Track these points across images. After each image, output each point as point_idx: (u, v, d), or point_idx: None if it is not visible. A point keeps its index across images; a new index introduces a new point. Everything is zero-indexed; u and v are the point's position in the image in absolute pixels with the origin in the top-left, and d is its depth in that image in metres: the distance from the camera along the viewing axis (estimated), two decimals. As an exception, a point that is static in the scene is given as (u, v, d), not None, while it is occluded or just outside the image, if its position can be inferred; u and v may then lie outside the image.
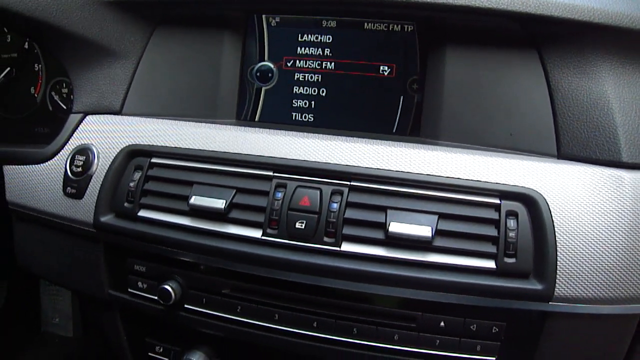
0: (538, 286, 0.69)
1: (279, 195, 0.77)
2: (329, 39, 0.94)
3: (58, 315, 1.52)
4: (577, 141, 0.76)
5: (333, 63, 0.94)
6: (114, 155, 0.87)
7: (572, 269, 0.69)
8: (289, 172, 0.79)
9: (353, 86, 0.93)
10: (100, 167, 0.88)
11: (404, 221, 0.72)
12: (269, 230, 0.77)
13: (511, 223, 0.71)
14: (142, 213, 0.84)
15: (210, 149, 0.83)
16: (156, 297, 0.82)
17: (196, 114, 0.95)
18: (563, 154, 0.77)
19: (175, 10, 0.96)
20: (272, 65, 0.97)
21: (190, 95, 0.96)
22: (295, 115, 0.96)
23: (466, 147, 0.82)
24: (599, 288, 0.69)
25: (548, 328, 0.72)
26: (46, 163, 0.93)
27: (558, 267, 0.69)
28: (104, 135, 0.90)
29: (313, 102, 0.95)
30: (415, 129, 0.91)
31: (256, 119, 0.98)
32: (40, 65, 1.09)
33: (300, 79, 0.95)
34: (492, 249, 0.71)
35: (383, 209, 0.74)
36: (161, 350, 0.92)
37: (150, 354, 0.94)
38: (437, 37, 0.87)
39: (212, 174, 0.82)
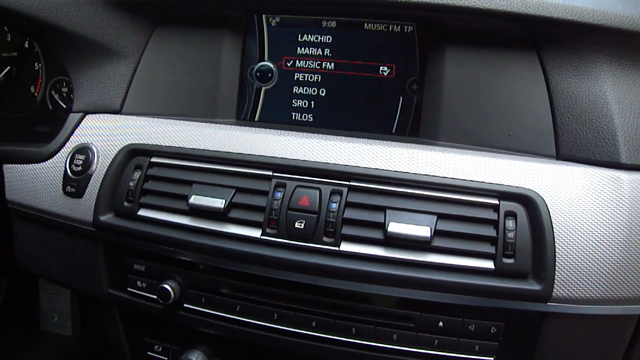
0: (536, 287, 0.70)
1: (279, 195, 0.77)
2: (328, 39, 0.94)
3: (57, 314, 1.52)
4: (576, 142, 0.76)
5: (333, 63, 0.94)
6: (114, 155, 0.87)
7: (570, 270, 0.69)
8: (289, 172, 0.79)
9: (352, 86, 0.93)
10: (100, 166, 0.88)
11: (403, 221, 0.72)
12: (268, 230, 0.77)
13: (510, 224, 0.71)
14: (142, 212, 0.84)
15: (210, 149, 0.83)
16: (155, 297, 0.83)
17: (196, 114, 0.95)
18: (562, 154, 0.77)
19: (175, 10, 0.96)
20: (272, 65, 0.97)
21: (190, 94, 0.97)
22: (295, 115, 0.97)
23: (465, 147, 0.82)
24: (597, 289, 0.69)
25: (546, 328, 0.72)
26: (46, 162, 0.93)
27: (556, 267, 0.69)
28: (104, 134, 0.90)
29: (313, 102, 0.96)
30: (414, 129, 0.91)
31: (256, 118, 0.98)
32: (40, 64, 1.09)
33: (300, 79, 0.96)
34: (490, 249, 0.71)
35: (382, 209, 0.74)
36: (160, 349, 0.93)
37: (149, 353, 0.94)
38: (436, 37, 0.88)
39: (212, 173, 0.82)
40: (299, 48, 0.95)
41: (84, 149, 0.90)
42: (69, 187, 0.89)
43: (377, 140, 0.81)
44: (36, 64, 1.10)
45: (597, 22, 0.74)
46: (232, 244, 0.78)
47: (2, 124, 1.12)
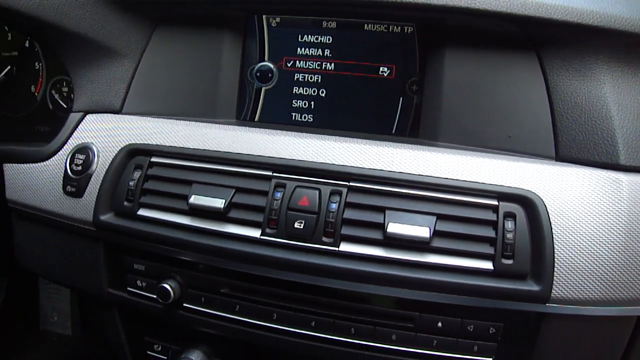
0: (535, 287, 0.70)
1: (278, 195, 0.77)
2: (329, 39, 0.94)
3: (57, 313, 1.52)
4: (575, 143, 0.77)
5: (333, 64, 0.94)
6: (114, 154, 0.87)
7: (569, 271, 0.70)
8: (288, 172, 0.79)
9: (352, 87, 0.93)
10: (100, 166, 0.88)
11: (402, 222, 0.72)
12: (267, 230, 0.77)
13: (509, 224, 0.71)
14: (142, 212, 0.84)
15: (210, 149, 0.83)
16: (155, 296, 0.83)
17: (196, 114, 0.95)
18: (561, 156, 0.78)
19: (175, 9, 0.96)
20: (272, 66, 0.97)
21: (190, 94, 0.97)
22: (295, 116, 0.97)
23: (465, 148, 0.82)
24: (595, 290, 0.70)
25: (545, 329, 0.72)
26: (46, 161, 0.93)
27: (555, 268, 0.69)
28: (104, 134, 0.90)
29: (313, 103, 0.96)
30: (414, 130, 0.91)
31: (256, 119, 0.99)
32: (40, 64, 1.09)
33: (300, 79, 0.96)
34: (489, 250, 0.72)
35: (381, 209, 0.74)
36: (160, 348, 0.93)
37: (149, 352, 0.94)
38: (436, 38, 0.88)
39: (212, 173, 0.82)
40: (299, 48, 0.95)
41: (84, 149, 0.90)
42: (69, 186, 0.89)
43: (376, 141, 0.81)
44: (36, 63, 1.10)
45: (597, 24, 0.74)
46: (232, 243, 0.78)
47: (3, 123, 1.12)
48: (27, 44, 1.10)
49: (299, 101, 0.96)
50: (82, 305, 1.50)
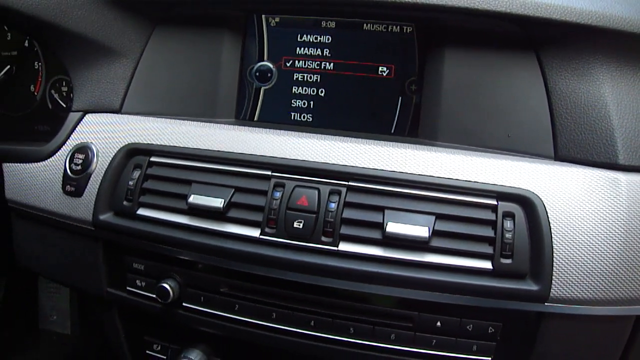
0: (534, 287, 0.70)
1: (277, 194, 0.77)
2: (328, 39, 0.94)
3: (56, 312, 1.52)
4: (574, 143, 0.77)
5: (332, 63, 0.94)
6: (114, 154, 0.87)
7: (568, 270, 0.70)
8: (288, 171, 0.79)
9: (352, 87, 0.93)
10: (100, 165, 0.88)
11: (402, 221, 0.72)
12: (267, 230, 0.77)
13: (508, 224, 0.72)
14: (141, 211, 0.84)
15: (209, 148, 0.83)
16: (154, 296, 0.83)
17: (195, 113, 0.95)
18: (560, 155, 0.78)
19: (175, 9, 0.96)
20: (271, 65, 0.97)
21: (190, 94, 0.97)
22: (294, 115, 0.97)
23: (464, 148, 0.83)
24: (594, 289, 0.70)
25: (544, 329, 0.72)
26: (46, 161, 0.93)
27: (554, 268, 0.70)
28: (104, 133, 0.90)
29: (312, 102, 0.96)
30: (413, 129, 0.91)
31: (255, 118, 0.99)
32: (40, 64, 1.09)
33: (299, 79, 0.96)
34: (488, 249, 0.72)
35: (381, 209, 0.74)
36: (159, 348, 0.93)
37: (148, 351, 0.94)
38: (435, 38, 0.88)
39: (211, 173, 0.82)
40: (298, 48, 0.96)
41: (83, 148, 0.90)
42: (68, 186, 0.89)
43: (375, 141, 0.81)
44: (36, 63, 1.10)
45: (596, 24, 0.74)
46: (231, 243, 0.78)
47: (2, 122, 1.12)
48: (26, 44, 1.10)
49: (298, 101, 0.96)
50: (81, 305, 1.50)
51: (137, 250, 0.86)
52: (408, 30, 0.90)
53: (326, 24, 0.94)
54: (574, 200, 0.72)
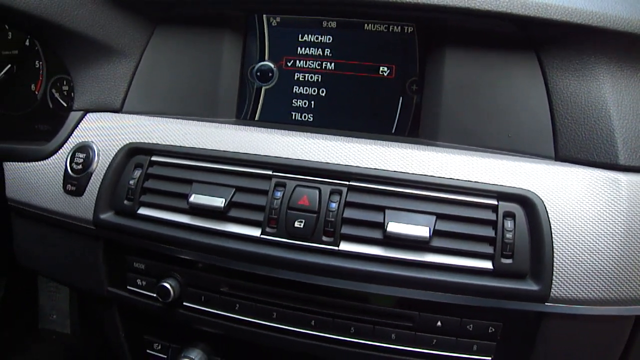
0: (534, 287, 0.70)
1: (278, 194, 0.78)
2: (329, 39, 0.94)
3: (56, 312, 1.52)
4: (575, 143, 0.77)
5: (333, 63, 0.94)
6: (114, 153, 0.87)
7: (568, 271, 0.70)
8: (289, 171, 0.79)
9: (352, 86, 0.93)
10: (101, 164, 0.88)
11: (402, 221, 0.72)
12: (268, 229, 0.77)
13: (508, 224, 0.72)
14: (142, 211, 0.84)
15: (210, 148, 0.83)
16: (155, 295, 0.83)
17: (196, 113, 0.95)
18: (560, 156, 0.78)
19: (176, 9, 0.96)
20: (272, 65, 0.97)
21: (191, 94, 0.97)
22: (295, 115, 0.97)
23: (464, 148, 0.83)
24: (594, 289, 0.70)
25: (544, 328, 0.73)
26: (46, 160, 0.93)
27: (554, 268, 0.70)
28: (105, 133, 0.90)
29: (313, 102, 0.96)
30: (414, 129, 0.91)
31: (256, 118, 0.99)
32: (41, 63, 1.10)
33: (300, 78, 0.96)
34: (489, 249, 0.72)
35: (381, 209, 0.74)
36: (159, 347, 0.93)
37: (148, 351, 0.94)
38: (436, 38, 0.88)
39: (212, 172, 0.82)
40: (299, 48, 0.96)
41: (84, 148, 0.90)
42: (69, 185, 0.89)
43: (376, 141, 0.81)
44: (37, 62, 1.10)
45: (596, 24, 0.74)
46: (232, 242, 0.79)
47: (3, 122, 1.12)
48: (27, 43, 1.10)
49: (299, 100, 0.96)
50: (81, 304, 1.50)
51: (137, 250, 0.86)
52: (409, 31, 0.91)
53: (327, 24, 0.94)
54: (574, 200, 0.72)
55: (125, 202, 0.85)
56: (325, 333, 0.78)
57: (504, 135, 0.82)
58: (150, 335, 0.94)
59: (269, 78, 0.97)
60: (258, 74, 0.98)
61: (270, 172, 0.80)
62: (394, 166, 0.77)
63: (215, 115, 0.96)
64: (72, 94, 0.96)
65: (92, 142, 0.90)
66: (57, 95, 1.09)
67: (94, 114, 0.94)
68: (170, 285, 0.82)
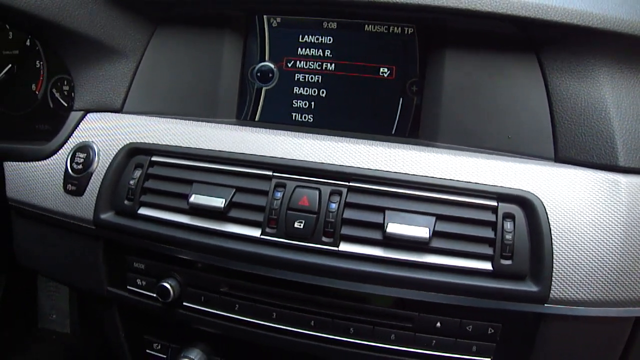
0: (534, 288, 0.70)
1: (278, 195, 0.78)
2: (329, 40, 0.94)
3: (55, 311, 1.52)
4: (575, 145, 0.77)
5: (333, 64, 0.94)
6: (115, 153, 0.87)
7: (568, 272, 0.70)
8: (289, 172, 0.79)
9: (353, 87, 0.94)
10: (101, 164, 0.88)
11: (402, 222, 0.72)
12: (267, 230, 0.77)
13: (508, 225, 0.72)
14: (142, 211, 0.84)
15: (211, 148, 0.84)
16: (155, 295, 0.83)
17: (197, 113, 0.95)
18: (560, 157, 0.78)
19: (176, 9, 0.96)
20: (272, 66, 0.97)
21: (191, 94, 0.97)
22: (295, 116, 0.97)
23: (464, 149, 0.83)
24: (594, 291, 0.70)
25: (543, 330, 0.73)
26: (47, 160, 0.94)
27: (554, 269, 0.70)
28: (105, 133, 0.91)
29: (313, 103, 0.96)
30: (414, 130, 0.91)
31: (256, 118, 0.99)
32: (41, 63, 1.10)
33: (301, 79, 0.96)
34: (488, 250, 0.72)
35: (381, 209, 0.74)
36: (159, 347, 0.93)
37: (148, 351, 0.94)
38: (436, 39, 0.88)
39: (212, 172, 0.82)
40: (299, 49, 0.96)
41: (84, 148, 0.90)
42: (69, 185, 0.89)
43: (376, 142, 0.81)
44: (37, 62, 1.10)
45: (597, 26, 0.75)
46: (232, 243, 0.79)
47: (3, 121, 1.12)
48: (28, 43, 1.10)
49: (299, 101, 0.96)
50: (80, 304, 1.50)
51: (137, 250, 0.86)
52: (409, 32, 0.91)
53: (328, 25, 0.94)
54: (574, 201, 0.72)
55: (126, 202, 0.85)
56: (324, 333, 0.78)
57: (504, 137, 0.83)
58: (150, 335, 0.94)
59: (270, 79, 0.98)
60: (258, 74, 0.98)
61: (270, 173, 0.80)
62: (394, 167, 0.77)
63: (216, 115, 0.96)
64: (73, 94, 0.96)
65: (93, 142, 0.91)
66: (57, 95, 1.09)
67: (95, 114, 0.94)
68: (170, 285, 0.82)
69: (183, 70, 0.97)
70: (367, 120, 0.93)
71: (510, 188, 0.73)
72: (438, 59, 0.87)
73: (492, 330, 0.74)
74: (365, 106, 0.93)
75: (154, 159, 0.86)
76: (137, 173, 0.85)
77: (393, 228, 0.72)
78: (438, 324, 0.74)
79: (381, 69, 0.92)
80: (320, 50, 0.95)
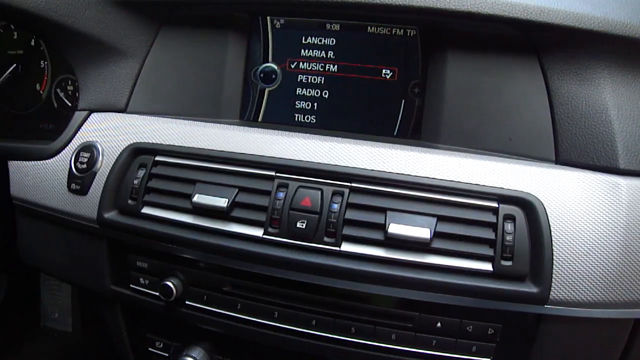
0: (534, 289, 0.70)
1: (281, 195, 0.78)
2: (332, 41, 0.95)
3: (58, 310, 1.53)
4: (575, 147, 0.77)
5: (336, 66, 0.95)
6: (119, 153, 0.88)
7: (568, 273, 0.70)
8: (291, 172, 0.80)
9: (355, 89, 0.94)
10: (105, 164, 0.89)
11: (403, 223, 0.73)
12: (270, 230, 0.78)
13: (508, 226, 0.72)
14: (145, 210, 0.84)
15: (214, 148, 0.84)
16: (157, 293, 0.83)
17: (200, 114, 0.96)
18: (561, 159, 0.78)
19: (180, 10, 0.97)
20: (275, 67, 0.98)
21: (195, 94, 0.97)
22: (298, 117, 0.97)
23: (466, 150, 0.83)
24: (593, 292, 0.70)
25: (543, 330, 0.73)
26: (51, 159, 0.94)
27: (554, 270, 0.70)
28: (109, 132, 0.91)
29: (316, 104, 0.96)
30: (416, 132, 0.92)
31: (259, 119, 0.99)
32: (46, 62, 1.10)
33: (304, 80, 0.96)
34: (489, 251, 0.72)
35: (383, 210, 0.75)
36: (161, 345, 0.93)
37: (150, 349, 0.94)
38: (439, 41, 0.88)
39: (215, 172, 0.83)
40: (302, 50, 0.96)
41: (89, 147, 0.91)
42: (73, 184, 0.90)
43: (378, 143, 0.82)
44: (42, 62, 1.10)
45: (598, 29, 0.75)
46: (234, 242, 0.79)
47: (8, 121, 1.13)
48: (32, 43, 1.11)
49: (302, 102, 0.97)
50: (83, 302, 1.51)
51: (141, 249, 0.87)
52: (412, 34, 0.91)
53: (331, 27, 0.95)
54: (574, 203, 0.72)
55: (129, 201, 0.85)
56: (326, 333, 0.78)
57: (505, 139, 0.83)
58: (153, 334, 0.94)
59: (273, 80, 0.98)
60: (261, 75, 0.98)
61: (273, 173, 0.80)
62: (396, 168, 0.77)
63: (219, 116, 0.97)
64: (77, 93, 0.96)
65: (97, 141, 0.91)
66: (62, 94, 1.09)
67: (99, 113, 0.94)
68: (173, 284, 0.82)
69: (187, 70, 0.98)
70: (369, 122, 0.94)
71: (511, 190, 0.73)
72: (440, 61, 0.88)
73: (492, 331, 0.74)
74: (367, 107, 0.94)
75: (157, 158, 0.86)
76: (141, 173, 0.86)
77: (394, 229, 0.72)
78: (438, 324, 0.75)
79: (383, 71, 0.93)
80: (323, 52, 0.95)
